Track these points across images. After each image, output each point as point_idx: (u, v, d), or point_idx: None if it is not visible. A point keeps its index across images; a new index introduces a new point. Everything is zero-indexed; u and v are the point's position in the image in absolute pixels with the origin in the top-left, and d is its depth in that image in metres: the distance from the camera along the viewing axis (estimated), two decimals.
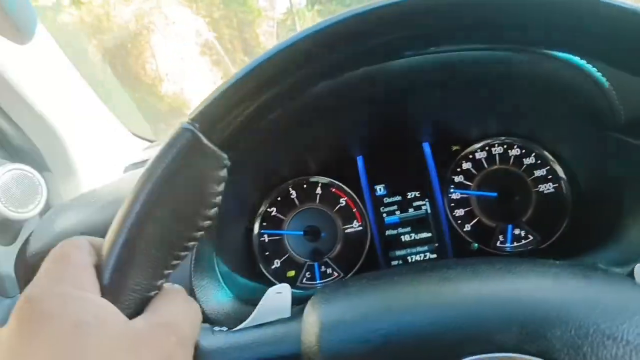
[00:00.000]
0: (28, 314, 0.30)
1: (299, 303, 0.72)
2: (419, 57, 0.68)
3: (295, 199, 0.91)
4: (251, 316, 0.48)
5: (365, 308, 0.38)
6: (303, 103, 0.69)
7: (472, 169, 0.88)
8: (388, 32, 0.33)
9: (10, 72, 0.81)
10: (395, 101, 0.76)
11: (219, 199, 0.36)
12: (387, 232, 0.88)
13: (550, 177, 0.85)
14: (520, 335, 0.32)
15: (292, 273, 0.89)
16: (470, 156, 0.88)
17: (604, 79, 0.64)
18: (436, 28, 0.33)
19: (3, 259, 0.84)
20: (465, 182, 0.88)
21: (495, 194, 0.86)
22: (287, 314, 0.48)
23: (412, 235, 0.88)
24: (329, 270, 0.88)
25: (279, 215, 0.91)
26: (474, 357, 0.32)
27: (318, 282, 0.88)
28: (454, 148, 0.89)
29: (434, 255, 0.87)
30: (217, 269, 0.74)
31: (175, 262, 0.35)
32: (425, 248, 0.87)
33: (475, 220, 0.87)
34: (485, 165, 0.87)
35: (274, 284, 0.86)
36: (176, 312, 0.36)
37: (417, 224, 0.88)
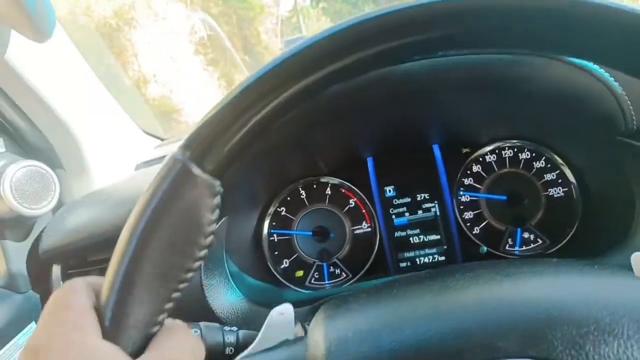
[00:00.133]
0: None
1: (307, 304, 0.73)
2: (431, 60, 0.69)
3: (305, 199, 0.91)
4: (256, 340, 0.48)
5: (367, 325, 0.38)
6: (314, 105, 0.69)
7: (482, 172, 0.88)
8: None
9: (26, 70, 0.82)
10: (406, 103, 0.76)
11: (214, 226, 0.35)
12: (396, 234, 0.88)
13: (560, 181, 0.85)
14: (522, 339, 0.32)
15: (300, 273, 0.89)
16: (481, 159, 0.88)
17: (616, 84, 0.64)
18: (429, 38, 0.32)
19: (15, 255, 0.85)
20: (475, 184, 0.88)
21: (504, 197, 0.86)
22: (291, 336, 0.48)
23: (421, 237, 0.88)
24: (338, 271, 0.89)
25: (288, 215, 0.91)
26: None
27: (327, 282, 0.88)
28: (464, 150, 0.89)
29: (443, 258, 0.87)
30: (227, 268, 0.74)
31: (175, 294, 0.35)
32: (434, 250, 0.87)
33: (485, 223, 0.87)
34: (495, 168, 0.87)
35: (283, 284, 0.88)
36: (179, 348, 0.36)
37: (426, 226, 0.88)
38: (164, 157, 0.35)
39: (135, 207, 0.33)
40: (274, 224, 0.91)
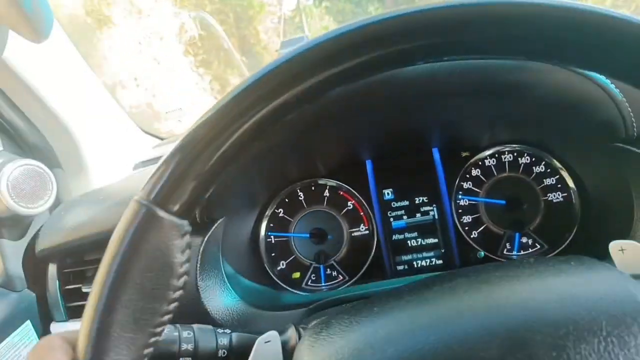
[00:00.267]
0: None
1: (301, 307, 0.72)
2: (431, 64, 0.68)
3: (303, 201, 0.91)
4: None
5: (349, 349, 0.37)
6: (314, 107, 0.69)
7: (481, 176, 0.87)
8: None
9: (24, 69, 0.82)
10: (406, 107, 0.76)
11: (186, 266, 0.35)
12: (394, 237, 0.88)
13: (559, 186, 0.84)
14: (502, 348, 0.32)
15: (297, 275, 0.89)
16: (480, 163, 0.88)
17: (617, 91, 0.63)
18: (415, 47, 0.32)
19: (11, 254, 0.85)
20: (473, 188, 0.87)
21: (503, 202, 0.86)
22: None
23: (419, 240, 0.88)
24: (334, 273, 0.88)
25: (286, 216, 0.91)
26: None
27: (323, 284, 0.88)
28: (464, 154, 0.89)
29: (440, 262, 0.87)
30: (222, 269, 0.74)
31: (153, 339, 0.34)
32: (432, 254, 0.87)
33: (483, 227, 0.87)
34: (495, 173, 0.87)
35: (280, 286, 0.87)
36: None
37: (424, 229, 0.88)
38: (162, 157, 0.35)
39: (104, 255, 0.33)
40: (271, 225, 0.91)
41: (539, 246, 0.84)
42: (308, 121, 0.71)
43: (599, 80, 0.63)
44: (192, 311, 0.70)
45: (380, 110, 0.75)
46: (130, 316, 0.33)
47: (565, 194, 0.84)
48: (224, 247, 0.76)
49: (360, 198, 0.90)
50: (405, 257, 0.88)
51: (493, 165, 0.87)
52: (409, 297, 0.41)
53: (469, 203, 0.88)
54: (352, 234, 0.90)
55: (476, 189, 0.87)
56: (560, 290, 0.36)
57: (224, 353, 0.55)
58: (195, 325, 0.55)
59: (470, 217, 0.87)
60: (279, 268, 0.90)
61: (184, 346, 0.52)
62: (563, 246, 0.84)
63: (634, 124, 0.64)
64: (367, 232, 0.90)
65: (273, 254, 0.90)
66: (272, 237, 0.90)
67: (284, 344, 0.55)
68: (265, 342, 0.51)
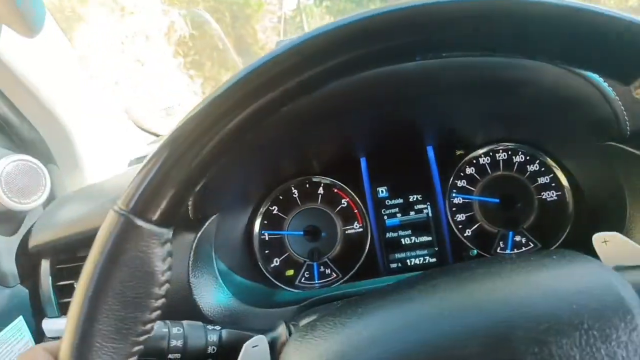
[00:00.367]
0: None
1: (294, 304, 0.73)
2: (426, 62, 0.68)
3: (297, 199, 0.91)
4: None
5: (333, 352, 0.37)
6: (309, 103, 0.69)
7: (475, 174, 0.87)
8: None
9: (18, 64, 0.82)
10: (401, 104, 0.76)
11: (168, 275, 0.35)
12: (388, 235, 0.88)
13: (553, 184, 0.84)
14: (484, 346, 0.32)
15: (291, 272, 0.89)
16: (474, 161, 0.88)
17: (610, 89, 0.63)
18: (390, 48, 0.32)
19: (4, 250, 0.85)
20: (468, 186, 0.87)
21: (497, 200, 0.86)
22: None
23: (413, 238, 0.88)
24: (328, 271, 0.88)
25: (280, 213, 0.91)
26: None
27: (317, 282, 0.88)
28: (458, 153, 0.89)
29: (434, 260, 0.87)
30: (215, 266, 0.74)
31: (136, 348, 0.34)
32: (425, 252, 0.87)
33: (477, 225, 0.87)
34: (489, 171, 0.87)
35: (273, 283, 0.87)
36: None
37: (418, 227, 0.88)
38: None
39: (84, 266, 0.33)
40: (265, 222, 0.91)
41: (532, 245, 0.84)
42: (302, 118, 0.71)
43: (592, 79, 0.63)
44: (184, 308, 0.69)
45: (374, 107, 0.74)
46: (112, 326, 0.33)
47: (559, 193, 0.84)
48: (217, 244, 0.76)
49: (355, 196, 0.90)
50: (398, 255, 0.88)
51: (487, 163, 0.87)
52: (392, 296, 0.41)
53: (463, 201, 0.88)
54: (346, 232, 0.90)
55: (470, 187, 0.87)
56: (541, 284, 0.36)
57: (213, 349, 0.55)
58: (185, 322, 0.55)
59: (464, 215, 0.87)
60: (272, 265, 0.89)
61: (173, 342, 0.52)
62: (557, 244, 0.84)
63: (627, 123, 0.64)
64: (361, 229, 0.90)
65: (267, 252, 0.90)
66: (265, 234, 0.90)
67: (274, 342, 0.55)
68: (253, 347, 0.51)
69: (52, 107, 0.88)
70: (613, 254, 0.48)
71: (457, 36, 0.31)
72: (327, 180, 0.91)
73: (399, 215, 0.88)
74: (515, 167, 0.86)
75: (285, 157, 0.86)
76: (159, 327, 0.52)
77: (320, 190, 0.91)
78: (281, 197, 0.91)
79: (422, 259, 0.87)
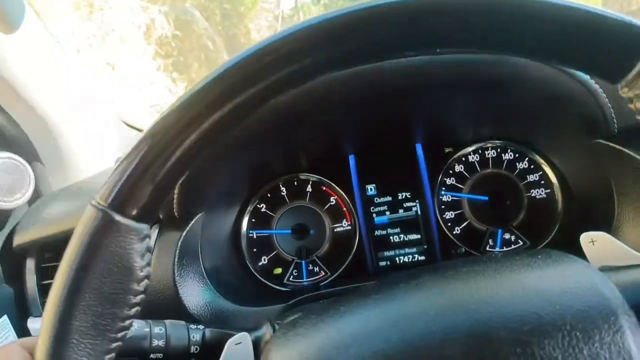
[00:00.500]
0: None
1: (282, 302, 0.72)
2: (414, 59, 0.68)
3: (285, 196, 0.90)
4: None
5: (315, 349, 0.37)
6: (297, 100, 0.68)
7: (464, 172, 0.87)
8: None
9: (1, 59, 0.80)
10: (390, 102, 0.75)
11: (147, 270, 0.35)
12: (377, 233, 0.88)
13: (542, 182, 0.84)
14: (466, 346, 0.32)
15: (279, 270, 0.88)
16: (463, 159, 0.87)
17: (597, 87, 0.63)
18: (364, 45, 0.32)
19: None
20: (456, 184, 0.87)
21: (486, 198, 0.86)
22: None
23: (402, 236, 0.87)
24: (316, 269, 0.88)
25: (268, 211, 0.90)
26: None
27: (305, 280, 0.87)
28: (447, 150, 0.88)
29: (422, 258, 0.86)
30: (201, 264, 0.73)
31: (114, 345, 0.34)
32: (414, 250, 0.87)
33: (466, 223, 0.86)
34: (478, 169, 0.87)
35: (260, 282, 0.87)
36: None
37: (407, 225, 0.87)
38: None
39: (61, 262, 0.33)
40: (253, 221, 0.90)
41: (521, 242, 0.84)
42: (289, 115, 0.71)
43: (579, 76, 0.63)
44: (170, 307, 0.69)
45: (362, 104, 0.74)
46: (89, 322, 0.32)
47: (548, 190, 0.84)
48: (203, 242, 0.75)
49: (343, 193, 0.90)
50: (387, 253, 0.87)
51: (476, 161, 0.87)
52: (375, 295, 0.41)
53: (451, 199, 0.87)
54: (335, 230, 0.89)
55: (459, 185, 0.87)
56: (525, 284, 0.35)
57: (196, 349, 0.54)
58: (167, 321, 0.55)
59: (453, 213, 0.87)
60: (260, 264, 0.89)
61: (155, 342, 0.51)
62: (546, 242, 0.84)
63: (614, 120, 0.64)
64: (349, 227, 0.89)
65: (254, 250, 0.89)
66: (253, 233, 0.90)
67: (258, 340, 0.55)
68: (236, 344, 0.50)
69: (36, 104, 0.87)
70: (600, 254, 0.48)
71: (439, 34, 0.31)
72: (315, 177, 0.90)
73: (387, 213, 0.88)
74: (504, 165, 0.86)
75: (272, 154, 0.85)
76: (141, 327, 0.52)
77: (309, 188, 0.90)
78: (269, 195, 0.90)
79: (410, 256, 0.87)
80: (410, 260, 0.87)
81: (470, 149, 0.87)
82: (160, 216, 0.71)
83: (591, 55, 0.31)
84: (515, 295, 0.34)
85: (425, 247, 0.86)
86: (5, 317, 0.83)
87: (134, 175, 0.32)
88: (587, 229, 0.75)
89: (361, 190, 0.88)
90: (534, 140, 0.84)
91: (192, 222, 0.72)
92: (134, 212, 0.33)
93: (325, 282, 0.87)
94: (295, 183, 0.91)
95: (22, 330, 0.85)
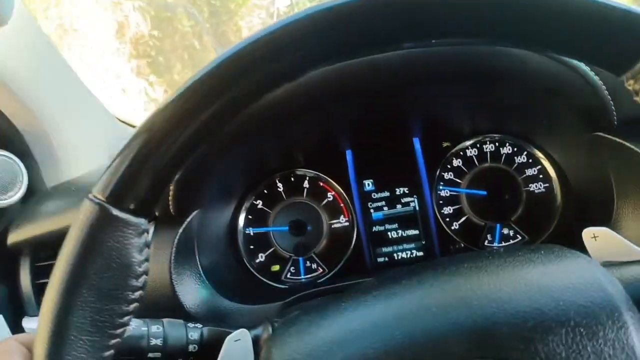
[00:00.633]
0: None
1: (280, 299, 0.72)
2: (411, 51, 0.67)
3: (282, 192, 0.90)
4: None
5: (315, 345, 0.37)
6: (293, 94, 0.68)
7: (462, 167, 0.87)
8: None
9: None
10: (387, 96, 0.75)
11: (145, 266, 0.34)
12: (374, 228, 0.87)
13: (541, 176, 0.84)
14: (470, 342, 0.31)
15: (276, 267, 0.88)
16: (461, 153, 0.87)
17: (596, 79, 0.63)
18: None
19: None
20: (455, 179, 0.87)
21: (485, 193, 0.85)
22: None
23: (400, 232, 0.87)
24: (314, 266, 0.87)
25: (265, 208, 0.89)
26: None
27: (302, 277, 0.87)
28: (445, 145, 0.88)
29: (421, 253, 0.86)
30: (198, 262, 0.73)
31: (113, 341, 0.34)
32: (412, 245, 0.86)
33: (464, 218, 0.86)
34: (476, 163, 0.86)
35: (258, 279, 0.86)
36: None
37: (405, 220, 0.87)
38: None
39: (58, 257, 0.32)
40: (249, 217, 0.89)
41: (520, 237, 0.84)
42: (286, 110, 0.70)
43: (579, 69, 0.63)
44: (166, 305, 0.68)
45: (359, 98, 0.74)
46: (87, 318, 0.32)
47: (547, 185, 0.84)
48: (200, 239, 0.74)
49: (340, 189, 0.89)
50: (385, 249, 0.87)
51: (474, 155, 0.86)
52: (376, 291, 0.41)
53: (450, 194, 0.87)
54: (332, 226, 0.89)
55: (457, 180, 0.87)
56: (528, 280, 0.35)
57: (194, 348, 0.53)
58: (165, 320, 0.54)
59: (451, 208, 0.87)
60: (257, 261, 0.88)
61: (153, 341, 0.51)
62: (545, 236, 0.83)
63: (614, 113, 0.64)
64: (347, 223, 0.89)
65: (251, 247, 0.88)
66: (250, 230, 0.89)
67: (257, 339, 0.54)
68: (235, 341, 0.50)
69: (27, 99, 0.85)
70: (602, 249, 0.48)
71: (443, 25, 0.31)
72: (312, 173, 0.90)
73: (385, 208, 0.87)
74: (503, 159, 0.85)
75: (268, 149, 0.85)
76: (138, 326, 0.51)
77: (306, 184, 0.90)
78: (266, 191, 0.90)
79: (409, 252, 0.86)
80: (408, 256, 0.86)
81: (468, 143, 0.87)
82: (156, 213, 0.70)
83: (596, 47, 0.31)
84: (518, 291, 0.34)
85: (424, 242, 0.86)
86: (0, 316, 0.82)
87: (131, 168, 0.32)
88: (586, 223, 0.75)
89: (358, 186, 0.88)
90: (532, 133, 0.84)
91: (189, 219, 0.71)
92: (132, 206, 0.32)
93: (323, 278, 0.86)
94: (292, 179, 0.90)
95: (17, 330, 0.84)
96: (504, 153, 0.85)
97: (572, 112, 0.70)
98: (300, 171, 0.90)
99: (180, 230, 0.70)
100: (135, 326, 0.50)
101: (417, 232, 0.86)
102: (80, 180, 0.91)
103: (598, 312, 0.31)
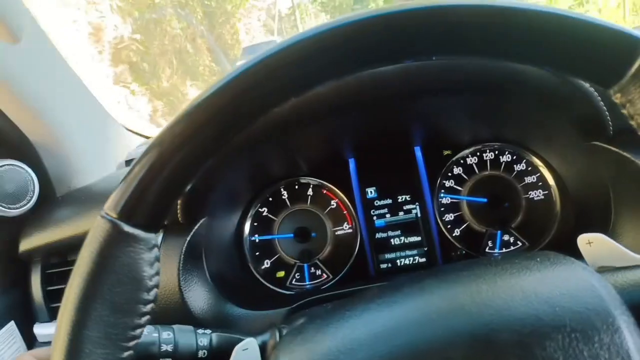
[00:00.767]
0: None
1: (285, 305, 0.73)
2: (411, 64, 0.69)
3: (287, 200, 0.91)
4: None
5: (322, 353, 0.37)
6: (297, 105, 0.69)
7: (463, 174, 0.88)
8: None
9: (2, 67, 0.81)
10: (389, 105, 0.76)
11: (156, 279, 0.35)
12: (377, 235, 0.89)
13: (540, 184, 0.85)
14: (468, 349, 0.32)
15: (281, 274, 0.89)
16: (462, 161, 0.88)
17: (592, 90, 0.64)
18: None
19: None
20: (455, 187, 0.88)
21: (485, 200, 0.87)
22: None
23: (402, 238, 0.88)
24: (319, 272, 0.89)
25: (270, 215, 0.91)
26: None
27: (307, 283, 0.88)
28: (446, 153, 0.89)
29: (423, 260, 0.87)
30: (205, 268, 0.74)
31: (126, 354, 0.35)
32: (415, 252, 0.88)
33: (465, 225, 0.87)
34: (476, 171, 0.88)
35: (264, 285, 0.88)
36: None
37: (407, 227, 0.88)
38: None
39: (72, 273, 0.33)
40: (255, 225, 0.91)
41: (520, 244, 0.85)
42: (290, 120, 0.72)
43: (575, 80, 0.64)
44: (175, 312, 0.69)
45: (362, 109, 0.75)
46: (101, 332, 0.33)
47: (546, 192, 0.85)
48: (207, 247, 0.76)
49: (344, 196, 0.91)
50: (388, 256, 0.88)
51: (475, 163, 0.88)
52: (379, 299, 0.42)
53: (451, 201, 0.88)
54: (336, 233, 0.90)
55: (458, 187, 0.88)
56: (524, 288, 0.36)
57: (204, 354, 0.55)
58: (175, 326, 0.56)
59: (452, 215, 0.88)
60: (263, 267, 0.90)
61: (164, 347, 0.52)
62: (544, 243, 0.84)
63: (610, 123, 0.65)
64: (350, 230, 0.90)
65: (257, 254, 0.90)
66: (256, 238, 0.91)
67: (264, 345, 0.56)
68: (243, 350, 0.51)
69: (38, 110, 0.87)
70: (597, 255, 0.48)
71: (434, 43, 0.32)
72: (316, 181, 0.91)
73: (388, 215, 0.89)
74: (502, 167, 0.87)
75: (273, 158, 0.86)
76: (149, 332, 0.53)
77: (310, 192, 0.91)
78: (270, 199, 0.91)
79: (411, 259, 0.88)
80: (411, 262, 0.88)
81: (468, 151, 0.88)
82: (165, 222, 0.72)
83: (584, 62, 0.32)
84: (515, 298, 0.35)
85: (426, 249, 0.87)
86: (12, 322, 0.84)
87: (142, 186, 0.33)
88: (584, 230, 0.77)
89: (361, 194, 0.89)
90: (532, 142, 0.85)
91: (196, 227, 0.73)
92: (142, 223, 0.34)
93: (327, 284, 0.88)
94: (297, 187, 0.92)
95: (28, 336, 0.86)
96: (503, 161, 0.87)
97: (569, 122, 0.71)
98: (304, 179, 0.92)
99: (188, 237, 0.71)
100: (146, 333, 0.52)
101: (419, 238, 0.88)
102: (89, 189, 0.93)
103: (593, 317, 0.32)
